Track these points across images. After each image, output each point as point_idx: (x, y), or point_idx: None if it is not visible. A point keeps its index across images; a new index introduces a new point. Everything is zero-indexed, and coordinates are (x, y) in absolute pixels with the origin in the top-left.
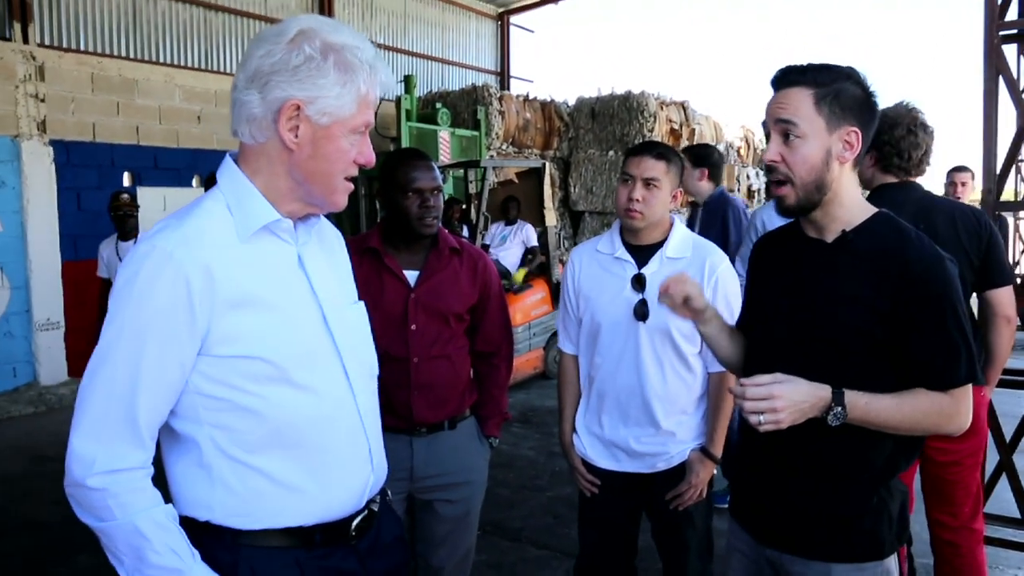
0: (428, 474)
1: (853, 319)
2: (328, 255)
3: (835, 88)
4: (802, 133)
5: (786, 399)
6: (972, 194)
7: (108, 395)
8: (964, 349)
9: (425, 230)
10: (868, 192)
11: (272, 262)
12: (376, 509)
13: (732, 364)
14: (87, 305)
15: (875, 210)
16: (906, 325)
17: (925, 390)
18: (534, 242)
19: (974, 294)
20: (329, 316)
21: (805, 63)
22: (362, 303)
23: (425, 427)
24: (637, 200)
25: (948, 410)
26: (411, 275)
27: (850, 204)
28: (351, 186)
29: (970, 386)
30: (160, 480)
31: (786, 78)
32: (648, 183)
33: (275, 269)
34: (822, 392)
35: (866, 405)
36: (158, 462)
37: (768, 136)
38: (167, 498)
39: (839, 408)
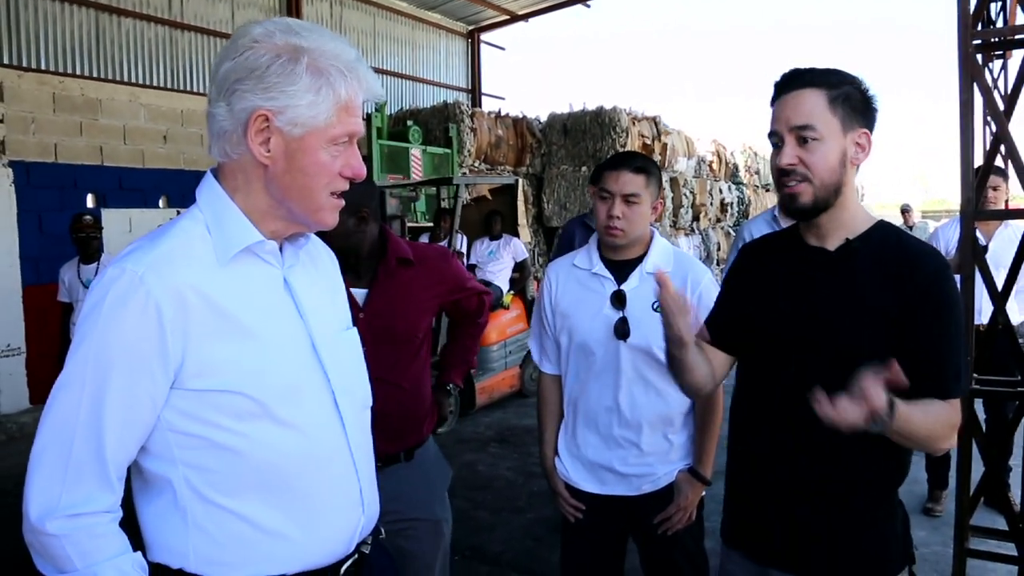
0: (386, 510)
1: (860, 328)
2: (319, 277)
3: (845, 90)
4: (820, 135)
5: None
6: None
7: (71, 431)
8: (963, 361)
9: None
10: None
11: (255, 286)
12: (367, 551)
13: (703, 385)
14: (49, 330)
15: (876, 218)
16: (913, 334)
17: (934, 399)
18: (524, 255)
19: None
20: (319, 344)
21: (809, 67)
22: (355, 329)
23: (380, 461)
24: (618, 218)
25: (953, 420)
26: (359, 293)
27: (854, 211)
28: (340, 202)
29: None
30: (131, 525)
31: (797, 80)
32: (628, 199)
33: (258, 294)
34: None
35: (901, 408)
36: (128, 504)
37: (779, 144)
38: (137, 544)
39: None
